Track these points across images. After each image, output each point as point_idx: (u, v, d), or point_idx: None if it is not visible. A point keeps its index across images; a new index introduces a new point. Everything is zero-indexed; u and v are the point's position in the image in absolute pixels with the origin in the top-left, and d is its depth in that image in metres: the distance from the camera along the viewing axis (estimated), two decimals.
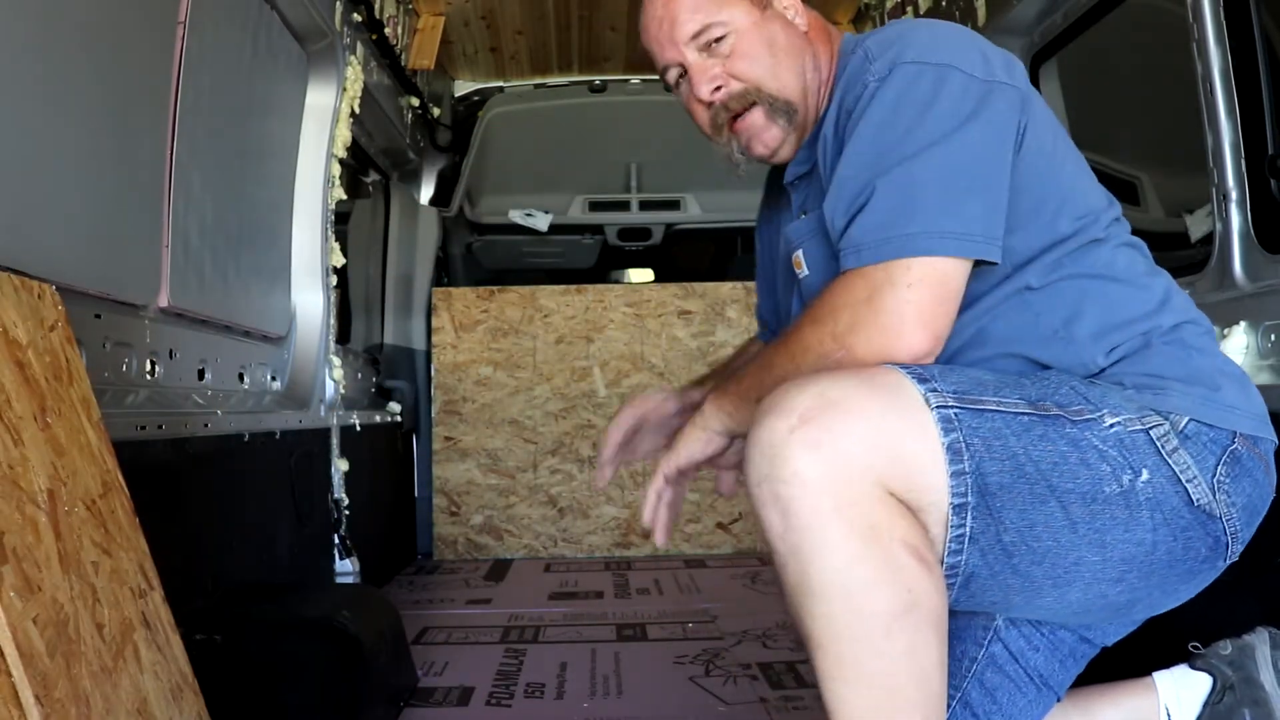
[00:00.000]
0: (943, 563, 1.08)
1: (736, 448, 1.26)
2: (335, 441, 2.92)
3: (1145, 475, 1.10)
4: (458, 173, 4.49)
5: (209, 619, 1.79)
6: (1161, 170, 2.47)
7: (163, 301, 2.01)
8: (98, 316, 1.74)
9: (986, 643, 1.27)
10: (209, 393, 2.23)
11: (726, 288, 4.24)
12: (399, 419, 3.90)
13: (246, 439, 2.26)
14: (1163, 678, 1.34)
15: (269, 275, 2.69)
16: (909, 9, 3.23)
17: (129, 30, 1.81)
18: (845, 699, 1.05)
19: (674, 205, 4.75)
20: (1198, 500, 1.12)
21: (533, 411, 4.17)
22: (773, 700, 2.16)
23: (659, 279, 5.17)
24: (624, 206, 4.78)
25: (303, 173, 2.86)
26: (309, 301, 2.86)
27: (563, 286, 4.25)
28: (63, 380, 1.29)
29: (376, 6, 3.16)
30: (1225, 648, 1.32)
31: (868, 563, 1.02)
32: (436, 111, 4.24)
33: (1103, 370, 1.19)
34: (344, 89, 2.95)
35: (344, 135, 2.97)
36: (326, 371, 2.90)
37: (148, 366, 1.93)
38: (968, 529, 1.07)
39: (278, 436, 2.46)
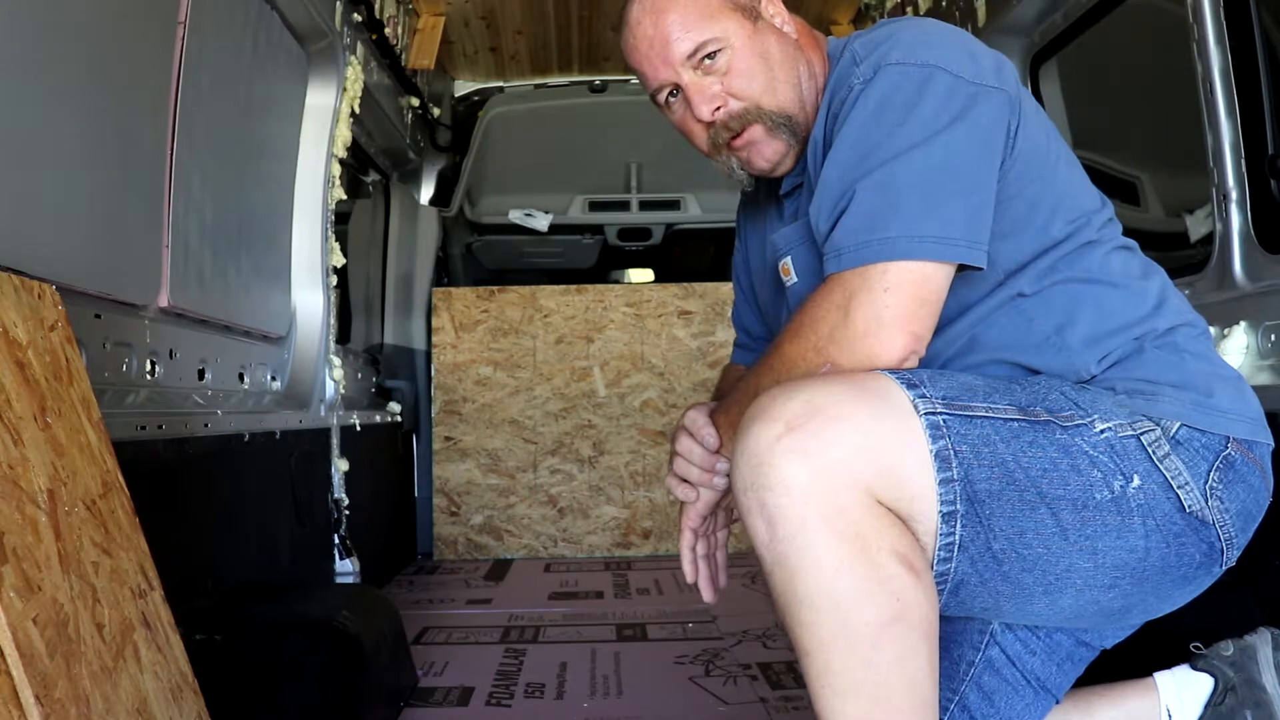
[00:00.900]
0: (932, 569, 1.08)
1: None
2: (335, 441, 2.92)
3: (1136, 481, 1.09)
4: (458, 173, 4.49)
5: (209, 619, 1.79)
6: (1161, 170, 2.47)
7: (163, 301, 2.01)
8: (98, 316, 1.74)
9: (983, 646, 1.26)
10: (209, 393, 2.23)
11: (726, 288, 4.23)
12: (399, 419, 3.90)
13: (246, 439, 2.26)
14: (1164, 678, 1.33)
15: (269, 275, 2.69)
16: (909, 9, 3.23)
17: (129, 30, 1.81)
18: (835, 707, 1.04)
19: (674, 205, 4.75)
20: (1189, 506, 1.11)
21: (533, 411, 4.17)
22: (773, 700, 2.16)
23: (659, 279, 5.17)
24: (624, 206, 4.78)
25: (303, 173, 2.86)
26: (309, 301, 2.86)
27: (563, 286, 4.25)
28: (63, 380, 1.28)
29: (376, 6, 3.16)
30: (1227, 648, 1.32)
31: (855, 572, 1.02)
32: (436, 111, 4.24)
33: (1094, 377, 1.18)
34: (344, 89, 2.95)
35: (344, 135, 2.97)
36: (326, 371, 2.90)
37: (148, 366, 1.93)
38: (957, 537, 1.07)
39: (278, 436, 2.46)
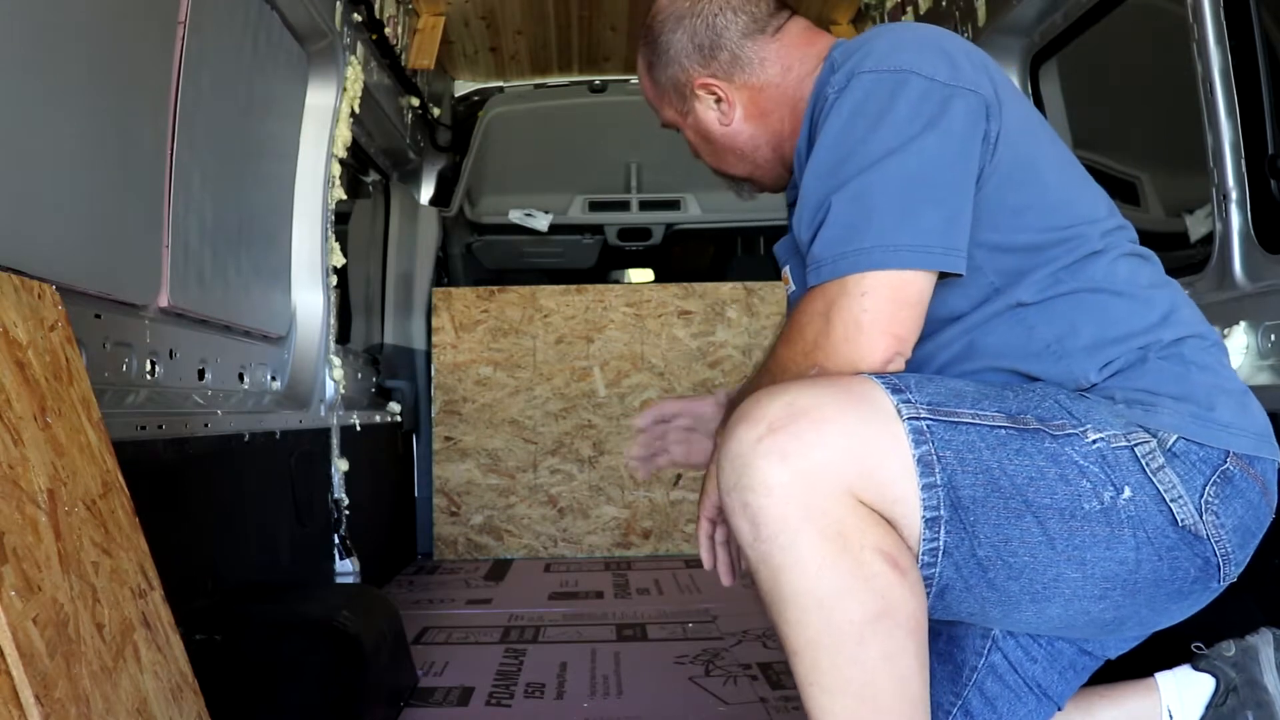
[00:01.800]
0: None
1: None
2: (335, 441, 2.92)
3: (1127, 493, 1.08)
4: (458, 173, 4.49)
5: (209, 619, 1.79)
6: (1161, 170, 2.46)
7: (163, 301, 2.01)
8: (98, 316, 1.74)
9: (986, 652, 1.26)
10: (209, 393, 2.23)
11: (726, 288, 4.24)
12: (399, 419, 3.90)
13: (246, 439, 2.26)
14: (1165, 679, 1.33)
15: (269, 275, 2.69)
16: (909, 9, 3.23)
17: (129, 30, 1.81)
18: (824, 705, 1.04)
19: (674, 205, 4.75)
20: (1182, 520, 1.10)
21: (533, 411, 4.17)
22: (773, 700, 2.16)
23: (659, 279, 5.17)
24: (624, 206, 4.78)
25: (303, 173, 2.86)
26: (309, 301, 2.86)
27: (563, 286, 4.25)
28: (63, 380, 1.28)
29: (376, 6, 3.16)
30: (1228, 649, 1.31)
31: (838, 570, 1.02)
32: (436, 111, 4.24)
33: (1094, 385, 1.17)
34: (344, 89, 2.95)
35: (344, 135, 2.97)
36: (326, 371, 2.90)
37: (148, 366, 1.93)
38: (940, 542, 1.06)
39: (278, 436, 2.46)
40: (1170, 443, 1.11)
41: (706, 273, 5.36)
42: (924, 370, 1.19)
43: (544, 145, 4.70)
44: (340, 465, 2.92)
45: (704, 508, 1.28)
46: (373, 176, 3.99)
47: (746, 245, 5.43)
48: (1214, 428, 1.13)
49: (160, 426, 1.82)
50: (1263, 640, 1.31)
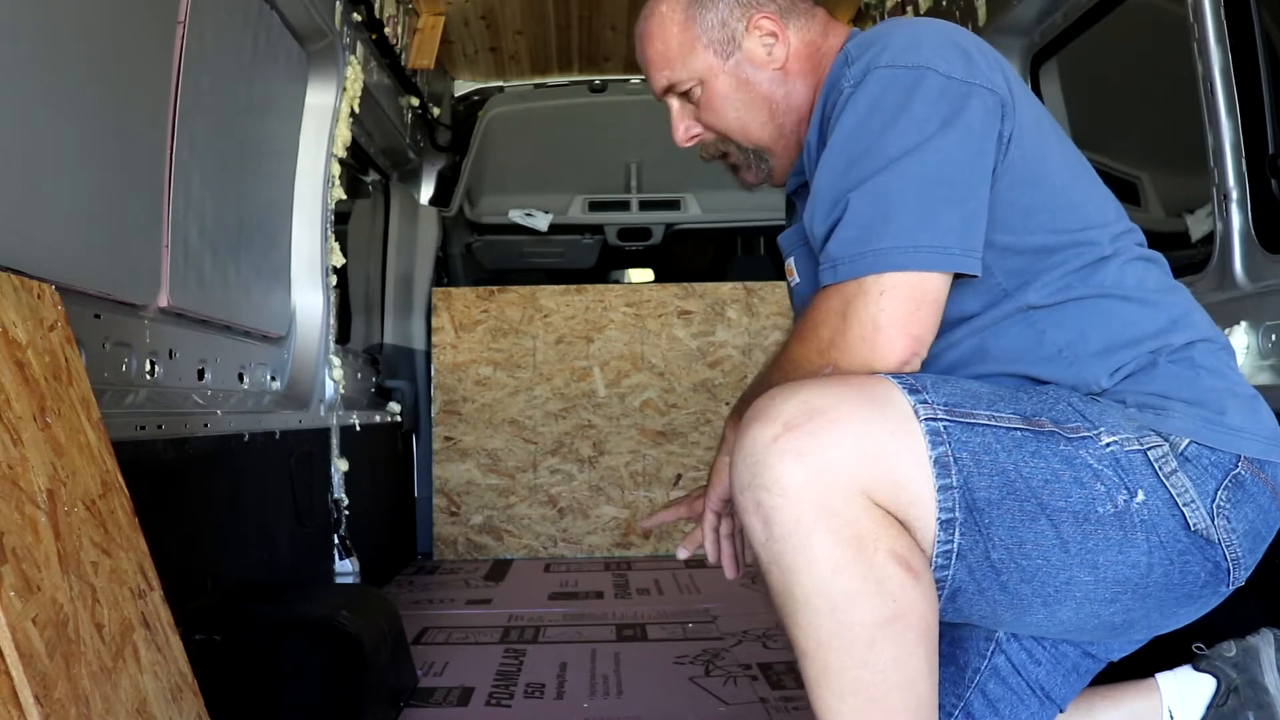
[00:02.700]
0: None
1: None
2: (335, 441, 2.92)
3: (1141, 497, 1.08)
4: (458, 173, 4.49)
5: (209, 619, 1.79)
6: (1161, 170, 2.46)
7: (162, 301, 2.01)
8: (97, 316, 1.74)
9: (989, 654, 1.26)
10: (209, 393, 2.23)
11: (726, 288, 4.24)
12: (399, 419, 3.90)
13: (246, 439, 2.26)
14: (1166, 679, 1.33)
15: (269, 275, 2.68)
16: (909, 9, 3.23)
17: (129, 30, 1.81)
18: (832, 707, 1.04)
19: (674, 205, 4.75)
20: (1195, 525, 1.09)
21: (533, 411, 4.17)
22: (773, 700, 2.16)
23: (659, 279, 5.17)
24: (624, 206, 4.78)
25: (303, 173, 2.86)
26: (309, 301, 2.86)
27: (563, 286, 4.25)
28: (62, 380, 1.28)
29: (376, 6, 3.16)
30: (1229, 649, 1.31)
31: (851, 573, 1.01)
32: (436, 111, 4.24)
33: (1105, 390, 1.16)
34: (344, 89, 2.95)
35: (344, 135, 2.97)
36: (326, 371, 2.90)
37: (147, 366, 1.93)
38: (955, 544, 1.06)
39: (277, 436, 2.46)
40: (1182, 447, 1.11)
41: (706, 273, 5.37)
42: (931, 369, 1.18)
43: (544, 145, 4.71)
44: (340, 465, 2.92)
45: (709, 500, 1.28)
46: (372, 176, 3.99)
47: (746, 245, 5.43)
48: (1225, 432, 1.13)
49: (160, 426, 1.82)
50: (1264, 641, 1.31)
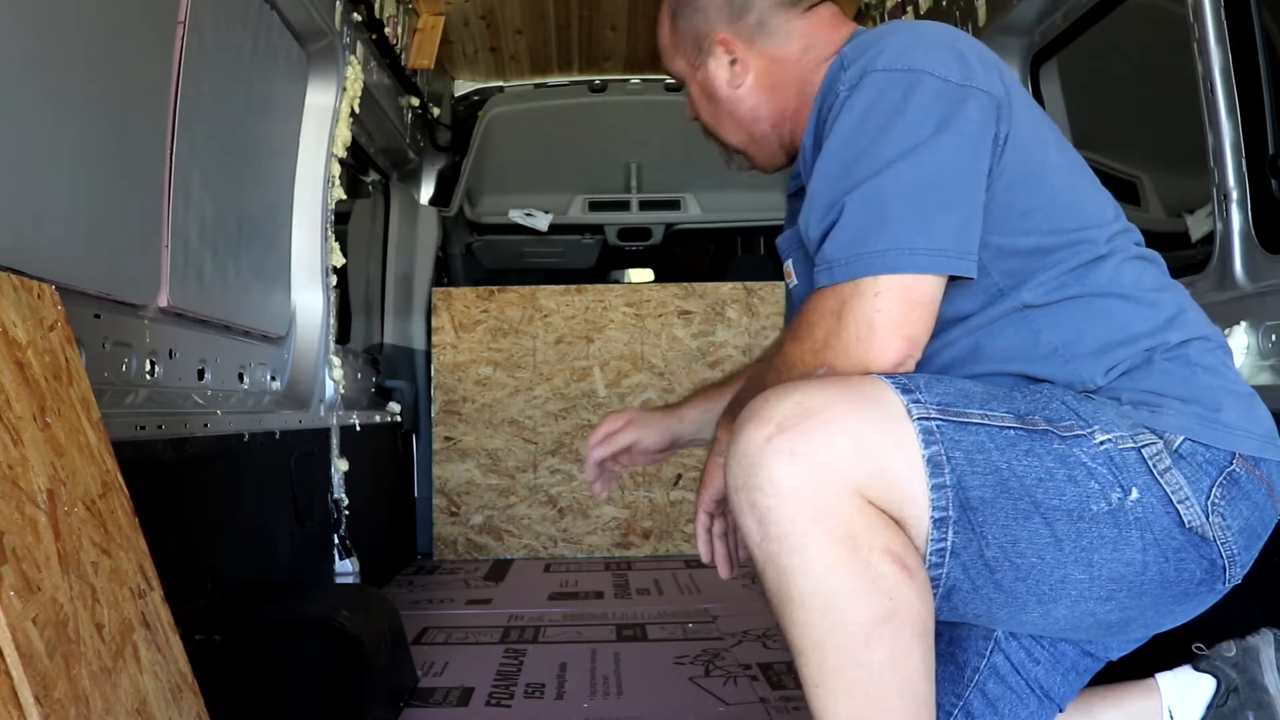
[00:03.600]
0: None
1: None
2: (335, 441, 2.92)
3: (1135, 494, 1.08)
4: (457, 172, 4.49)
5: (209, 619, 1.79)
6: (1161, 170, 2.46)
7: (162, 301, 2.01)
8: (97, 316, 1.74)
9: (988, 653, 1.26)
10: (209, 393, 2.23)
11: (726, 288, 4.24)
12: (399, 419, 3.90)
13: (246, 439, 2.26)
14: (1165, 679, 1.33)
15: (269, 275, 2.68)
16: (909, 9, 3.23)
17: (129, 30, 1.81)
18: (829, 707, 1.04)
19: (674, 205, 4.75)
20: (1189, 522, 1.09)
21: (533, 411, 4.17)
22: (773, 700, 2.16)
23: (659, 279, 5.17)
24: (624, 206, 4.78)
25: (303, 173, 2.86)
26: (309, 301, 2.86)
27: (563, 286, 4.25)
28: (62, 380, 1.28)
29: (376, 6, 3.16)
30: (1229, 649, 1.31)
31: (845, 571, 1.01)
32: (436, 111, 4.24)
33: (1100, 388, 1.16)
34: (344, 89, 2.95)
35: (344, 135, 2.97)
36: (326, 371, 2.90)
37: (147, 366, 1.93)
38: (949, 543, 1.06)
39: (277, 436, 2.46)
40: (1177, 444, 1.11)
41: (706, 273, 5.36)
42: (927, 369, 1.18)
43: (544, 145, 4.70)
44: (340, 465, 2.92)
45: (702, 500, 1.28)
46: (372, 176, 3.99)
47: (746, 245, 5.43)
48: (1220, 429, 1.13)
49: (160, 426, 1.82)
50: (1263, 640, 1.31)
